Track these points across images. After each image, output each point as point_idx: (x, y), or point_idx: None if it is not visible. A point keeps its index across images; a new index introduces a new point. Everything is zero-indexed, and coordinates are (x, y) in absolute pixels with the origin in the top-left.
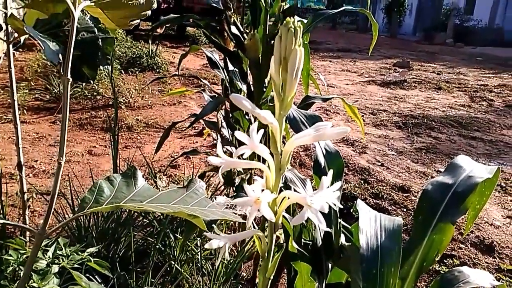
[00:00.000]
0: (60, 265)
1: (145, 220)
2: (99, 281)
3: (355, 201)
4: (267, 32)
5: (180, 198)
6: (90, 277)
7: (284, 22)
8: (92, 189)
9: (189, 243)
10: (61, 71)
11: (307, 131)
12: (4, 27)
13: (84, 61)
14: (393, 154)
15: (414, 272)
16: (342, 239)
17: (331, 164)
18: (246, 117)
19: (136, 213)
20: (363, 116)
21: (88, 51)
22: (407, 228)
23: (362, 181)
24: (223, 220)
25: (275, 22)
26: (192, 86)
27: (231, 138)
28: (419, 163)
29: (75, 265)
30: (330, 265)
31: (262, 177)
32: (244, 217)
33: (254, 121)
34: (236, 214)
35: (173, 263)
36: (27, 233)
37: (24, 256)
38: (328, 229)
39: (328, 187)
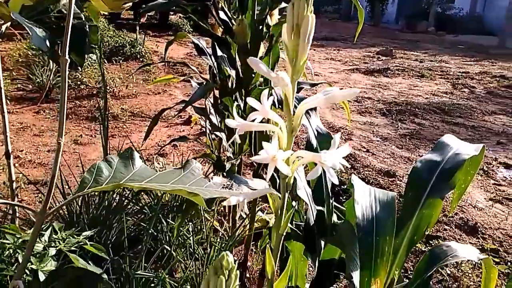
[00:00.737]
0: (57, 248)
1: (136, 207)
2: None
3: (342, 186)
4: (255, 18)
5: (178, 178)
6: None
7: None
8: (91, 170)
9: (181, 228)
10: (49, 57)
11: (317, 95)
12: None
13: (72, 47)
14: (378, 140)
15: (406, 245)
16: (335, 218)
17: (323, 145)
18: (236, 102)
19: (127, 200)
20: (348, 103)
21: (76, 37)
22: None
23: (349, 167)
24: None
25: (263, 8)
26: (177, 75)
27: (219, 124)
28: (403, 148)
29: (71, 249)
30: (323, 243)
31: (252, 169)
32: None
33: (244, 106)
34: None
35: (166, 247)
36: (17, 220)
37: (20, 240)
38: (320, 208)
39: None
